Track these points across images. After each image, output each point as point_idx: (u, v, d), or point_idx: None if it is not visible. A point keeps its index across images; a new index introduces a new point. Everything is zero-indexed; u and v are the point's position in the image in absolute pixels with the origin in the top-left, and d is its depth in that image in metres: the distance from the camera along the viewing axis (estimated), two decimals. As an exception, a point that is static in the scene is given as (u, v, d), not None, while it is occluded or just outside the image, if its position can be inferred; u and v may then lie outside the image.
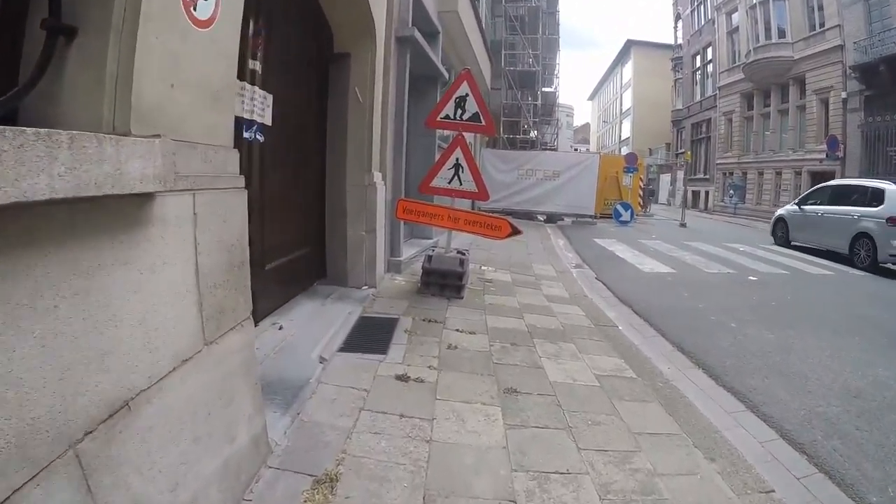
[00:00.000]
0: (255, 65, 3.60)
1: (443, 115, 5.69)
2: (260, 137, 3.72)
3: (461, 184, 5.63)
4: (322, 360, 3.37)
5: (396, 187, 6.45)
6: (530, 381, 3.47)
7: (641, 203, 21.04)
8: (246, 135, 3.54)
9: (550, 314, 5.32)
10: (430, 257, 5.52)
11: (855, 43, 20.78)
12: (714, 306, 6.54)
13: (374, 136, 5.35)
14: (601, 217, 17.08)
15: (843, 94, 21.90)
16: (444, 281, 5.42)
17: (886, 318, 6.72)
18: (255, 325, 3.84)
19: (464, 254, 5.77)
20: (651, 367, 4.21)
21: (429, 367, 3.48)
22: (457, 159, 5.64)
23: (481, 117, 5.63)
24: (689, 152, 30.60)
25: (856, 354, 5.04)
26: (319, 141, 5.15)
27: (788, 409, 3.74)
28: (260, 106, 3.70)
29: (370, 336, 4.01)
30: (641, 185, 20.57)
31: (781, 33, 26.01)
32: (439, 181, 5.68)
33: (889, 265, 10.97)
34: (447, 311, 4.90)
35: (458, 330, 4.34)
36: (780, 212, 15.58)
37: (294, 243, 4.62)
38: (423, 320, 4.51)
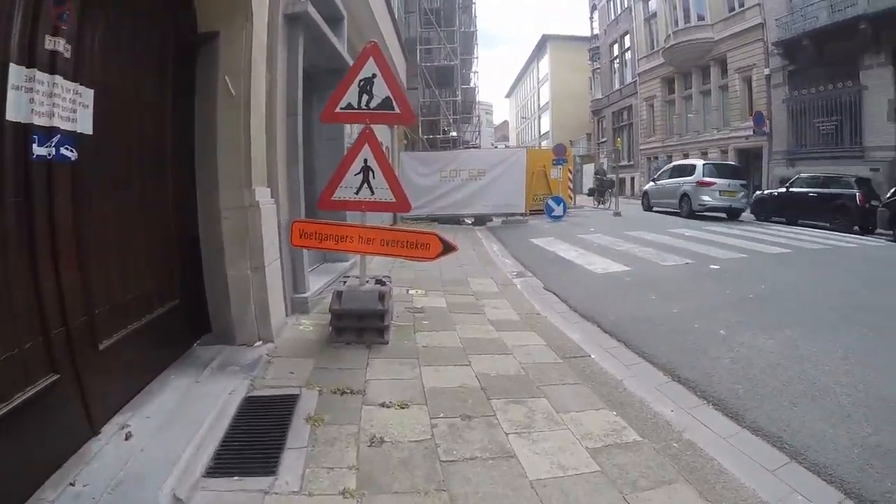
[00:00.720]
0: (59, 44, 2.29)
1: (343, 104, 4.44)
2: (70, 154, 2.40)
3: (373, 193, 4.42)
4: (176, 502, 2.09)
5: (294, 205, 5.18)
6: (502, 490, 2.28)
7: (571, 195, 20.60)
8: (40, 151, 2.22)
9: (504, 351, 4.18)
10: (339, 294, 4.25)
11: (777, 20, 21.22)
12: (690, 309, 5.64)
13: (254, 141, 4.07)
14: (532, 214, 16.35)
15: (766, 71, 22.43)
16: (361, 324, 4.19)
17: (871, 297, 6.17)
18: (95, 435, 2.60)
19: (384, 283, 4.54)
20: (653, 416, 3.15)
21: (342, 492, 2.21)
22: (365, 161, 4.42)
23: (394, 103, 4.43)
24: (619, 140, 30.81)
25: (869, 349, 4.38)
26: (184, 152, 3.85)
27: (837, 447, 2.87)
28: (67, 106, 2.38)
29: (256, 436, 2.70)
30: (570, 176, 20.04)
31: (700, 16, 26.61)
32: (344, 192, 4.44)
33: (700, 213, 17.18)
34: (368, 369, 3.65)
35: (384, 404, 3.10)
36: (646, 187, 22.83)
37: (152, 298, 3.31)
38: (335, 392, 3.25)
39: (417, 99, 20.39)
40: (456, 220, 15.47)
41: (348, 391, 3.25)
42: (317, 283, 5.74)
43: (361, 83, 4.43)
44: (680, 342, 4.61)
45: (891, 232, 12.42)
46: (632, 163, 35.05)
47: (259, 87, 4.23)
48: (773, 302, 5.95)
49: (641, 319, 5.29)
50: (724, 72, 25.64)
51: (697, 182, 17.31)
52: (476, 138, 30.14)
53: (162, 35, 3.50)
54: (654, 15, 31.04)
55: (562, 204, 15.96)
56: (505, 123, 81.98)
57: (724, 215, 17.31)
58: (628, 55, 35.94)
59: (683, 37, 27.15)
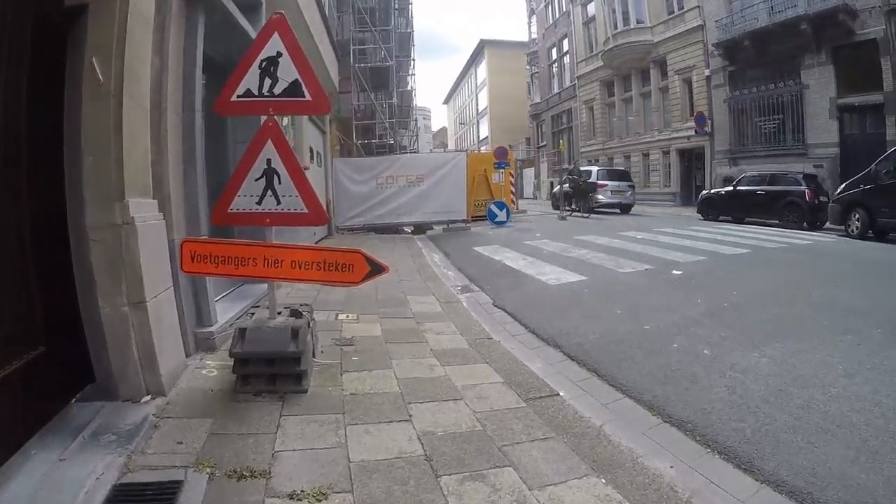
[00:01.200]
0: None
1: (241, 90, 3.58)
2: None
3: (279, 202, 3.57)
4: None
5: (193, 222, 4.26)
6: None
7: (514, 200, 20.08)
8: None
9: (454, 395, 3.40)
10: (241, 333, 3.36)
11: (716, 21, 21.73)
12: (664, 324, 5.01)
13: (129, 140, 3.16)
14: (474, 220, 15.73)
15: (707, 72, 23.00)
16: (271, 369, 3.34)
17: (851, 299, 5.76)
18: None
19: (300, 314, 3.68)
20: (651, 480, 2.45)
21: None
22: (268, 161, 3.58)
23: (304, 88, 3.60)
24: (562, 141, 31.03)
25: (870, 362, 3.91)
26: (51, 159, 2.97)
27: (877, 499, 2.34)
28: None
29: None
30: (512, 180, 19.61)
31: (639, 19, 27.05)
32: (243, 202, 3.57)
33: (597, 209, 20.26)
34: (278, 433, 2.79)
35: (294, 495, 2.22)
36: (554, 189, 25.89)
37: (5, 347, 2.44)
38: (231, 475, 2.38)
39: (351, 102, 19.62)
40: (394, 230, 14.80)
41: (247, 474, 2.38)
42: (228, 311, 4.83)
43: (264, 64, 3.58)
44: (661, 368, 3.94)
45: (842, 227, 12.53)
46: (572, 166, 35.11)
47: (140, 72, 3.35)
48: (750, 310, 5.41)
49: (611, 341, 4.62)
50: (664, 74, 26.05)
51: (592, 182, 20.65)
52: (414, 143, 29.46)
53: (16, 10, 2.61)
54: (593, 18, 31.48)
55: (505, 209, 15.43)
56: (444, 130, 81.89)
57: (617, 210, 21.41)
58: (567, 59, 36.36)
59: (622, 39, 27.50)
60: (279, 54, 3.59)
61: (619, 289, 6.62)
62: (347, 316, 5.27)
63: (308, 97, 3.63)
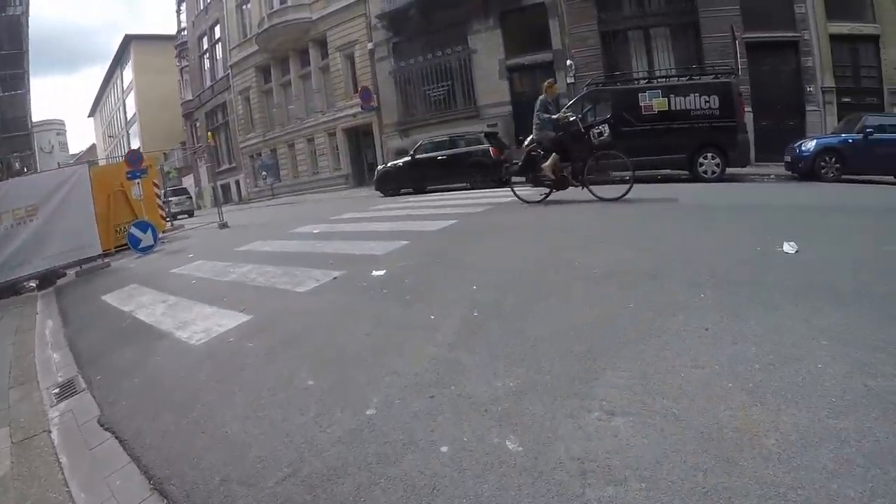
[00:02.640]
0: None
1: None
2: None
3: None
4: None
5: None
6: None
7: (164, 215, 16.02)
8: None
9: None
10: None
11: None
12: (398, 395, 2.61)
13: None
14: (119, 250, 11.70)
15: (370, 45, 22.46)
16: None
17: (632, 259, 4.32)
18: None
19: None
20: None
21: None
22: None
23: None
24: (211, 134, 27.28)
25: (762, 359, 2.33)
26: None
27: None
28: None
29: None
30: (158, 191, 15.21)
31: None
32: None
33: (171, 217, 21.57)
34: None
35: None
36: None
37: None
38: None
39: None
40: (14, 290, 9.74)
41: None
42: None
43: None
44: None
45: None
46: (234, 164, 32.63)
47: None
48: (517, 315, 3.40)
49: (323, 474, 2.04)
50: (325, 52, 24.94)
51: (165, 200, 21.89)
52: (41, 166, 22.87)
53: None
54: (247, 0, 29.04)
55: (150, 230, 11.26)
56: (93, 148, 70.02)
57: (186, 215, 25.47)
58: (219, 47, 33.08)
59: (279, 19, 25.67)
60: None
61: (301, 325, 3.96)
62: None
63: None
